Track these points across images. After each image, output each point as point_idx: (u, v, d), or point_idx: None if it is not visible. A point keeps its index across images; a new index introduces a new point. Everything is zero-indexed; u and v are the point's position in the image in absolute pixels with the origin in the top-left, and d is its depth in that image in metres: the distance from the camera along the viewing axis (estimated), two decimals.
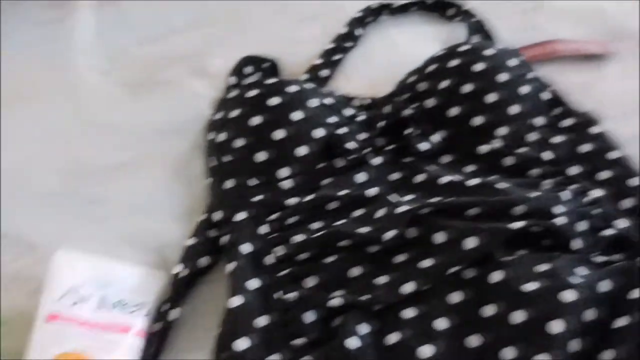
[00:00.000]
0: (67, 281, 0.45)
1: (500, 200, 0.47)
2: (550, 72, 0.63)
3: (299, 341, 0.42)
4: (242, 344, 0.41)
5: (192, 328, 0.46)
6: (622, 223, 0.47)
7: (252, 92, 0.55)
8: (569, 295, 0.40)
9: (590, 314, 0.40)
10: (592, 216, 0.47)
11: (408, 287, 0.43)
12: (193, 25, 0.71)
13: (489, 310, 0.41)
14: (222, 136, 0.54)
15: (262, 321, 0.43)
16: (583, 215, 0.46)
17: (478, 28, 0.68)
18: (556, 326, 0.39)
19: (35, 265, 0.49)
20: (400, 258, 0.46)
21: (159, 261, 0.50)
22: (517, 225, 0.44)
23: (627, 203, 0.48)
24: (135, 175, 0.57)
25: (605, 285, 0.41)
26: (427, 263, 0.44)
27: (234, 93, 0.57)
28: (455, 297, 0.43)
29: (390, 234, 0.46)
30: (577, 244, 0.44)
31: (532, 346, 0.39)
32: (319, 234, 0.47)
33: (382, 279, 0.45)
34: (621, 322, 0.39)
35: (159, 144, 0.59)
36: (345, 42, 0.69)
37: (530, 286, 0.41)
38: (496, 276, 0.42)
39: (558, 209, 0.46)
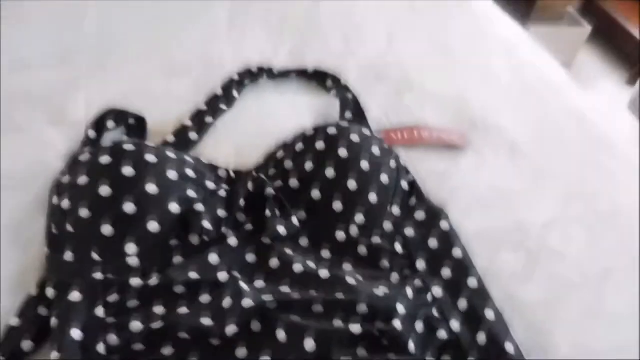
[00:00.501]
0: None
1: (344, 299, 0.48)
2: (412, 158, 0.66)
3: None
4: None
5: None
6: (455, 325, 0.49)
7: (105, 159, 0.51)
8: None
9: None
10: (429, 317, 0.49)
11: None
12: (55, 64, 0.66)
13: None
14: (66, 203, 0.50)
15: None
16: (421, 315, 0.49)
17: (351, 103, 0.70)
18: None
19: None
20: (241, 352, 0.45)
21: None
22: (357, 328, 0.45)
23: (463, 304, 0.51)
24: None
25: None
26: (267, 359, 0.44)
27: (85, 157, 0.53)
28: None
29: (231, 329, 0.45)
30: (411, 347, 0.46)
31: None
32: (158, 325, 0.45)
33: None
34: None
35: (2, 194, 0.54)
36: (219, 104, 0.68)
37: None
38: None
39: (399, 308, 0.48)
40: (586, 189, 0.66)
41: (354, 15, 0.83)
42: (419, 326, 0.48)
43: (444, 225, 0.57)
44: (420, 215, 0.59)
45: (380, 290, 0.50)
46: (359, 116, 0.70)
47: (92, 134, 0.60)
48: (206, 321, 0.45)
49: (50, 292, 0.47)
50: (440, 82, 0.76)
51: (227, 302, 0.47)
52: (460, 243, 0.56)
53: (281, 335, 0.45)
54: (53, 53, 0.67)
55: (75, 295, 0.46)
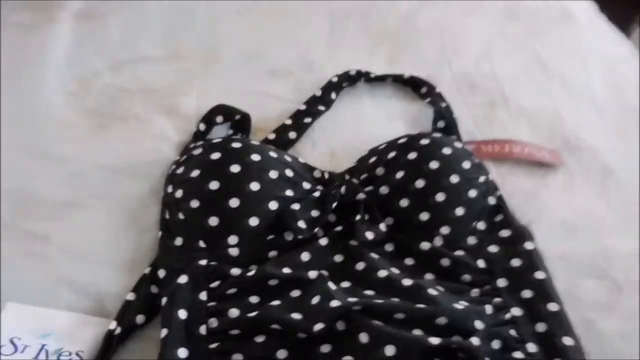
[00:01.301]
0: (9, 332, 0.47)
1: (425, 310, 0.50)
2: (501, 173, 0.67)
3: None
4: None
5: None
6: (532, 347, 0.50)
7: (215, 156, 0.56)
8: None
9: None
10: (506, 337, 0.50)
11: None
12: (169, 58, 0.72)
13: None
14: (179, 193, 0.56)
15: None
16: (498, 334, 0.50)
17: (444, 114, 0.72)
18: None
19: None
20: (325, 349, 0.49)
21: (97, 308, 0.51)
22: (436, 341, 0.47)
23: (541, 327, 0.52)
24: (83, 215, 0.57)
25: None
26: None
27: (198, 151, 0.58)
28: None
29: (318, 327, 0.48)
30: None
31: None
32: (254, 314, 0.49)
33: None
34: None
35: (113, 184, 0.60)
36: (317, 106, 0.71)
37: None
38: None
39: (477, 324, 0.50)
40: None
41: (452, 25, 0.84)
42: (496, 344, 0.50)
43: (528, 245, 0.58)
44: (505, 233, 0.60)
45: (460, 305, 0.52)
46: (451, 126, 0.71)
47: (202, 127, 0.65)
48: (296, 316, 0.49)
49: (161, 273, 0.53)
50: (535, 97, 0.76)
51: (315, 300, 0.51)
52: (544, 265, 0.57)
53: (364, 338, 0.48)
54: (167, 48, 0.72)
55: (183, 279, 0.51)
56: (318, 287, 0.52)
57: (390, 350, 0.47)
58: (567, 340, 0.51)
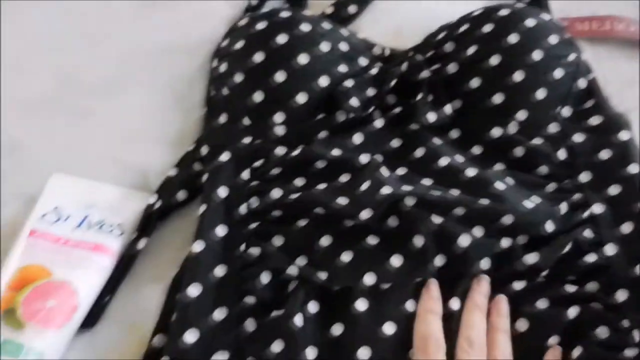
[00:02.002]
0: (53, 201, 0.47)
1: (489, 207, 0.44)
2: (597, 55, 0.57)
3: (249, 299, 0.42)
4: (194, 291, 0.42)
5: (158, 259, 0.47)
6: (611, 250, 0.43)
7: (260, 25, 0.51)
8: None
9: None
10: (578, 239, 0.44)
11: (368, 279, 0.42)
12: None
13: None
14: (223, 67, 0.52)
15: (219, 272, 0.43)
16: (570, 237, 0.44)
17: None
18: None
19: (27, 179, 0.50)
20: (372, 241, 0.45)
21: (141, 183, 0.50)
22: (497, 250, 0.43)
23: (627, 228, 0.44)
24: (130, 93, 0.55)
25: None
26: (396, 262, 0.43)
27: (243, 22, 0.53)
28: (410, 306, 0.42)
29: (366, 214, 0.44)
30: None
31: None
32: (296, 196, 0.46)
33: (346, 257, 0.44)
34: None
35: (161, 62, 0.57)
36: None
37: None
38: (455, 304, 0.42)
39: (548, 226, 0.44)
40: None
41: None
42: (566, 248, 0.43)
43: (622, 135, 0.49)
44: (595, 120, 0.51)
45: (531, 202, 0.45)
46: (540, 0, 0.61)
47: (254, 1, 0.60)
48: (342, 201, 0.45)
49: (204, 150, 0.50)
50: None
51: (365, 185, 0.46)
52: (638, 159, 0.48)
53: (418, 242, 0.43)
54: None
55: (225, 156, 0.49)
56: (369, 173, 0.47)
57: (440, 260, 0.43)
58: None
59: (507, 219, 0.44)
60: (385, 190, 0.45)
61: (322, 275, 0.43)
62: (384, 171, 0.47)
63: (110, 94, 0.55)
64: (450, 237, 0.43)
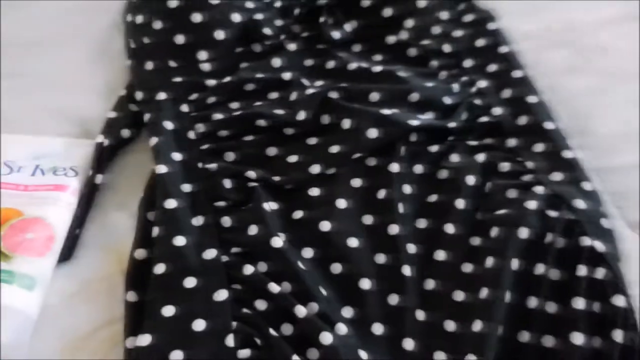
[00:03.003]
0: (3, 157, 0.50)
1: (399, 89, 0.53)
2: None
3: (219, 204, 0.47)
4: (172, 203, 0.46)
5: (117, 191, 0.50)
6: (498, 110, 0.53)
7: None
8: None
9: None
10: (472, 105, 0.53)
11: (315, 169, 0.49)
12: None
13: (381, 194, 0.48)
14: (139, 18, 0.56)
15: (186, 187, 0.48)
16: (465, 105, 0.53)
17: None
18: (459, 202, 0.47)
19: None
20: (312, 141, 0.51)
21: (82, 133, 0.53)
22: (416, 122, 0.50)
23: (507, 93, 0.55)
24: (55, 51, 0.58)
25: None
26: (334, 148, 0.50)
27: None
28: (356, 182, 0.49)
29: (302, 115, 0.51)
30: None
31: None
32: (238, 113, 0.52)
33: (293, 158, 0.50)
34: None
35: (78, 19, 0.60)
36: None
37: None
38: (394, 167, 0.49)
39: (446, 99, 0.53)
40: None
41: None
42: (464, 115, 0.53)
43: (491, 25, 0.60)
44: (468, 17, 0.61)
45: (430, 83, 0.54)
46: None
47: None
48: (278, 111, 0.52)
49: (139, 95, 0.54)
50: None
51: (293, 95, 0.53)
52: (507, 41, 0.59)
53: (347, 124, 0.50)
54: None
55: (161, 95, 0.53)
56: (295, 85, 0.54)
57: (372, 132, 0.50)
58: (532, 99, 0.54)
59: (414, 96, 0.52)
60: (310, 91, 0.52)
61: (276, 178, 0.49)
62: (306, 82, 0.54)
63: (36, 54, 0.58)
64: (374, 115, 0.50)
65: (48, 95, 0.55)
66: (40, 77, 0.57)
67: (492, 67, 0.57)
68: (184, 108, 0.53)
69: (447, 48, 0.58)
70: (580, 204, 0.46)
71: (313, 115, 0.51)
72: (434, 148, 0.51)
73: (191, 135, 0.51)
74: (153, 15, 0.55)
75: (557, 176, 0.48)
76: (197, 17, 0.54)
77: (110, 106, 0.54)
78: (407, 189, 0.49)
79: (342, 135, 0.50)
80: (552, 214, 0.45)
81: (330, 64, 0.57)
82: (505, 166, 0.49)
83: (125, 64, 0.57)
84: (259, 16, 0.57)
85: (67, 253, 0.46)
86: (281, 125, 0.52)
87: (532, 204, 0.45)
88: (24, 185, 0.48)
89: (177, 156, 0.49)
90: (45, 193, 0.47)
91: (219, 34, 0.55)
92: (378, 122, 0.50)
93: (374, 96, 0.52)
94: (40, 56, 0.58)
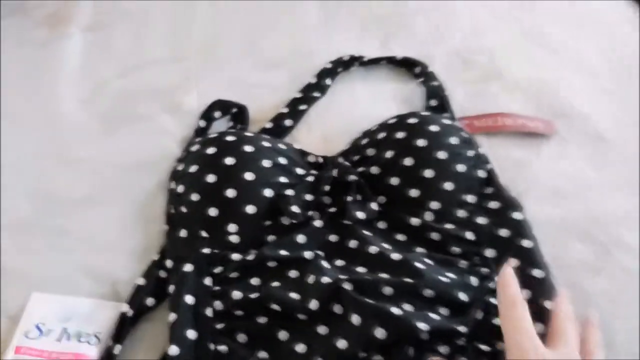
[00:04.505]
0: (34, 318, 0.54)
1: (411, 284, 0.53)
2: (493, 145, 0.68)
3: None
4: None
5: None
6: None
7: (210, 150, 0.60)
8: None
9: None
10: (488, 304, 0.53)
11: None
12: (172, 59, 0.76)
13: None
14: (180, 188, 0.60)
15: None
16: (481, 303, 0.53)
17: (436, 92, 0.74)
18: None
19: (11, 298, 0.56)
20: (322, 330, 0.52)
21: (112, 293, 0.57)
22: (424, 326, 0.50)
23: (524, 294, 0.54)
24: (99, 209, 0.63)
25: None
26: (341, 344, 0.50)
27: (195, 147, 0.63)
28: None
29: (314, 304, 0.52)
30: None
31: None
32: (254, 295, 0.53)
33: (300, 348, 0.51)
34: None
35: (124, 179, 0.65)
36: (312, 92, 0.74)
37: None
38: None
39: (461, 295, 0.53)
40: None
41: (441, 4, 0.85)
42: (479, 314, 0.53)
43: (516, 215, 0.60)
44: (494, 204, 0.62)
45: (446, 278, 0.54)
46: (444, 104, 0.73)
47: (202, 123, 0.70)
48: (294, 295, 0.53)
49: (169, 263, 0.57)
50: (527, 68, 0.76)
51: (310, 279, 0.54)
52: (532, 235, 0.59)
53: (355, 320, 0.51)
54: (170, 50, 0.77)
55: (188, 267, 0.56)
56: (312, 266, 0.56)
57: (380, 332, 0.50)
58: (548, 304, 0.53)
59: (428, 292, 0.52)
60: (325, 279, 0.53)
61: None
62: (324, 264, 0.56)
63: (81, 212, 0.63)
64: (383, 313, 0.51)
65: (85, 253, 0.59)
66: (82, 236, 0.61)
67: (512, 262, 0.57)
68: (207, 281, 0.55)
69: (469, 235, 0.59)
70: None
71: (324, 304, 0.52)
72: (443, 349, 0.51)
73: (208, 312, 0.53)
74: (191, 188, 0.59)
75: None
76: (229, 193, 0.58)
77: (142, 269, 0.58)
78: None
79: (350, 330, 0.51)
80: None
81: (352, 244, 0.59)
82: None
83: (162, 228, 0.61)
84: (289, 192, 0.60)
85: None
86: (293, 310, 0.53)
87: None
88: (48, 352, 0.51)
89: (191, 334, 0.51)
90: None
91: (249, 209, 0.58)
92: (386, 321, 0.50)
93: (387, 290, 0.53)
94: (84, 213, 0.62)
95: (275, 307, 0.53)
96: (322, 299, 0.52)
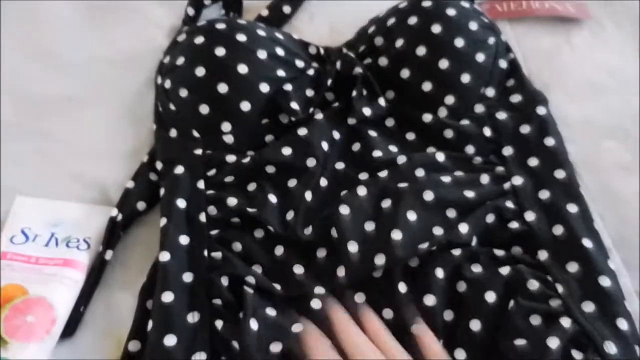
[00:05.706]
0: (20, 223, 0.50)
1: (412, 189, 0.49)
2: (518, 33, 0.61)
3: (216, 301, 0.45)
4: (167, 297, 0.45)
5: (125, 267, 0.50)
6: (530, 216, 0.48)
7: (198, 40, 0.54)
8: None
9: None
10: (501, 208, 0.49)
11: (319, 290, 0.45)
12: None
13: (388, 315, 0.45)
14: (167, 83, 0.55)
15: (187, 278, 0.46)
16: (493, 207, 0.49)
17: None
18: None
19: None
20: (320, 254, 0.48)
21: (102, 198, 0.53)
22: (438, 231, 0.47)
23: (544, 194, 0.49)
24: (84, 110, 0.58)
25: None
26: (341, 271, 0.46)
27: (182, 37, 0.56)
28: (361, 298, 0.46)
29: (308, 231, 0.48)
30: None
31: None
32: (252, 210, 0.49)
33: (299, 270, 0.47)
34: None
35: (110, 76, 0.60)
36: None
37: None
38: (402, 287, 0.45)
39: (469, 193, 0.49)
40: None
41: None
42: (490, 218, 0.48)
43: (540, 110, 0.54)
44: (516, 98, 0.56)
45: (447, 177, 0.50)
46: None
47: (191, 11, 0.62)
48: (289, 216, 0.49)
49: (159, 165, 0.53)
50: None
51: (308, 195, 0.50)
52: (557, 132, 0.53)
53: (352, 248, 0.46)
54: None
55: (179, 169, 0.52)
56: (311, 181, 0.51)
57: (380, 259, 0.45)
58: (572, 208, 0.48)
59: (429, 195, 0.48)
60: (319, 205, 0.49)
61: (277, 286, 0.46)
62: (323, 181, 0.51)
63: (65, 112, 0.58)
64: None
65: (72, 157, 0.55)
66: (67, 139, 0.56)
67: (533, 162, 0.51)
68: (200, 185, 0.51)
69: (487, 132, 0.54)
70: (611, 347, 0.41)
71: (317, 232, 0.48)
72: (457, 252, 0.47)
73: (202, 217, 0.50)
74: (179, 82, 0.54)
75: (589, 306, 0.43)
76: (222, 88, 0.52)
77: (131, 172, 0.54)
78: (430, 299, 0.45)
79: (348, 261, 0.46)
80: (577, 356, 0.41)
81: (355, 147, 0.54)
82: (533, 284, 0.45)
83: (152, 128, 0.56)
84: (288, 87, 0.54)
85: (69, 331, 0.46)
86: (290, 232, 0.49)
87: (554, 342, 0.41)
88: (35, 258, 0.48)
89: (183, 240, 0.48)
90: (54, 269, 0.48)
91: (244, 106, 0.53)
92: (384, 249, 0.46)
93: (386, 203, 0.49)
94: (68, 116, 0.58)
95: (270, 227, 0.49)
96: (318, 229, 0.48)
